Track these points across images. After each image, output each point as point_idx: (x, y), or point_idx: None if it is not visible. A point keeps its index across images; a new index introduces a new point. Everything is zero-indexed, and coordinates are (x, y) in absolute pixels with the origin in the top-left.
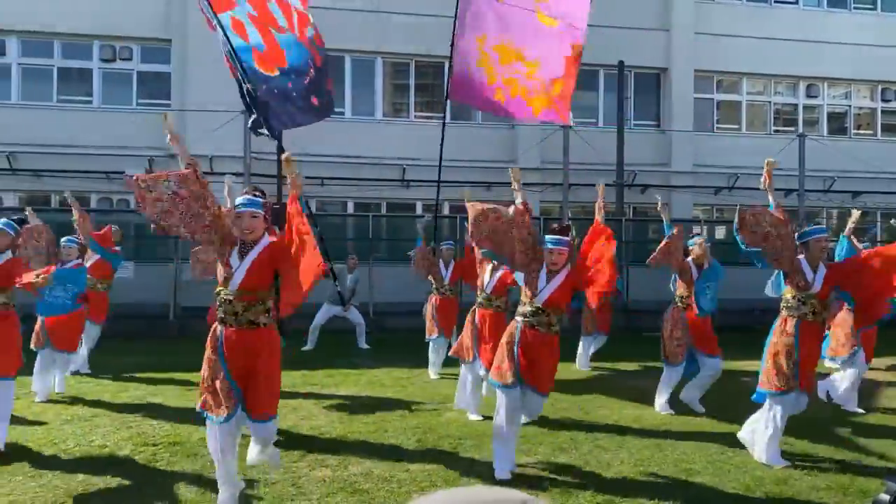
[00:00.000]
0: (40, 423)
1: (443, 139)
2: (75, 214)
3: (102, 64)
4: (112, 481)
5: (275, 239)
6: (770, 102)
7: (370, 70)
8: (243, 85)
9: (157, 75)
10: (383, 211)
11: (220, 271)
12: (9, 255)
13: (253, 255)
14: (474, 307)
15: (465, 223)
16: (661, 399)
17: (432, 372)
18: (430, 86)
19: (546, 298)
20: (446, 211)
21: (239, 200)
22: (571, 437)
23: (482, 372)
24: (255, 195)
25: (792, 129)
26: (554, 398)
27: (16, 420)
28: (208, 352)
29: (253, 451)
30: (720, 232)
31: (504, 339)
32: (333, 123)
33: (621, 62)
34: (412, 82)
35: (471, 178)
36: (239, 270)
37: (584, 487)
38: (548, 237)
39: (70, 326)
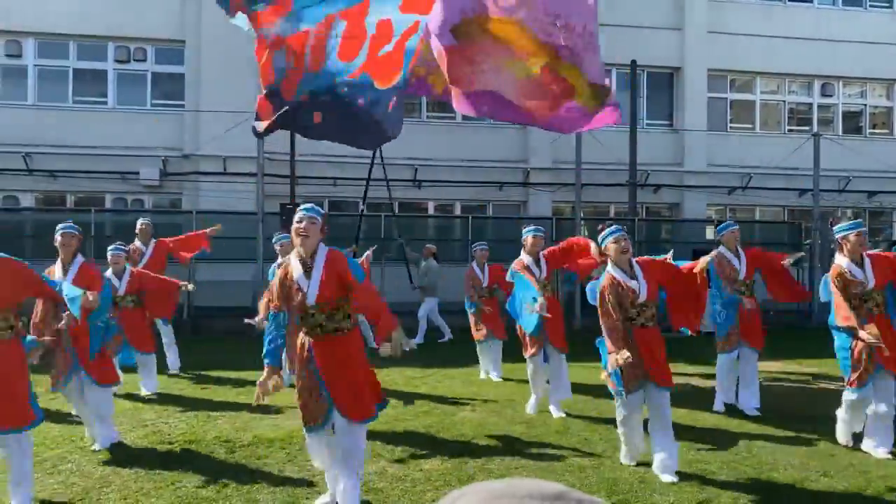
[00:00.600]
0: (59, 421)
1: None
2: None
3: (117, 65)
4: (129, 478)
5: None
6: (784, 101)
7: None
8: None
9: (170, 76)
10: (395, 211)
11: (294, 299)
12: (81, 259)
13: (319, 266)
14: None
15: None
16: (718, 400)
17: (493, 375)
18: None
19: (646, 291)
20: (458, 211)
21: (302, 207)
22: (586, 437)
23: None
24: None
25: (806, 128)
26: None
27: None
28: (299, 369)
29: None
30: None
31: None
32: None
33: (634, 61)
34: None
35: (483, 179)
36: (312, 286)
37: (599, 487)
38: (607, 230)
39: (137, 327)
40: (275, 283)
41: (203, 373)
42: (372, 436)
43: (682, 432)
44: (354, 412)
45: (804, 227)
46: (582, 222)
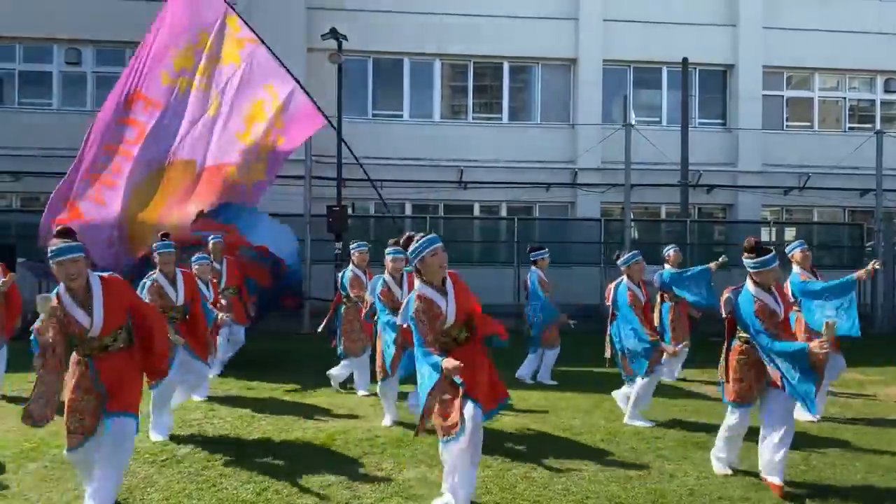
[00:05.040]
0: None
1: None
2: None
3: None
4: (172, 479)
5: None
6: (844, 98)
7: (429, 72)
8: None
9: None
10: (440, 212)
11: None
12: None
13: None
14: None
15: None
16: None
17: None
18: (488, 87)
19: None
20: (504, 213)
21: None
22: (633, 446)
23: None
24: None
25: (868, 125)
26: (612, 407)
27: None
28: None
29: None
30: (790, 234)
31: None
32: (392, 126)
33: (685, 59)
34: (470, 84)
35: (530, 179)
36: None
37: (645, 499)
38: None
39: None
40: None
41: (248, 373)
42: (414, 441)
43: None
44: None
45: (866, 229)
46: (632, 224)
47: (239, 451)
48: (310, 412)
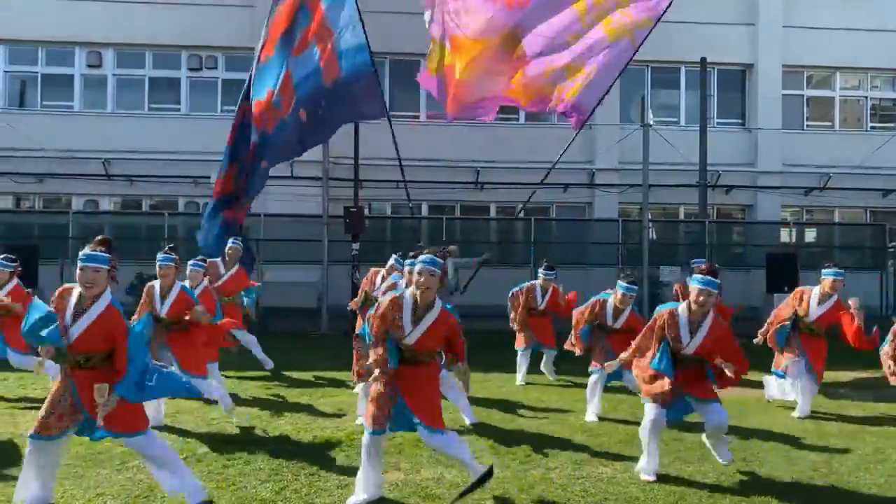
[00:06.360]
0: None
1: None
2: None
3: (190, 73)
4: None
5: None
6: (866, 97)
7: None
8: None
9: (240, 83)
10: (457, 213)
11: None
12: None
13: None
14: None
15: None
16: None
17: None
18: None
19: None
20: (521, 213)
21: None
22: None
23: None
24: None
25: (891, 125)
26: (631, 408)
27: None
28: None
29: None
30: (810, 235)
31: None
32: (408, 126)
33: (703, 59)
34: None
35: (547, 180)
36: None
37: (665, 501)
38: None
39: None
40: None
41: (267, 373)
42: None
43: (752, 448)
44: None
45: (888, 230)
46: (650, 224)
47: (259, 450)
48: (328, 412)
